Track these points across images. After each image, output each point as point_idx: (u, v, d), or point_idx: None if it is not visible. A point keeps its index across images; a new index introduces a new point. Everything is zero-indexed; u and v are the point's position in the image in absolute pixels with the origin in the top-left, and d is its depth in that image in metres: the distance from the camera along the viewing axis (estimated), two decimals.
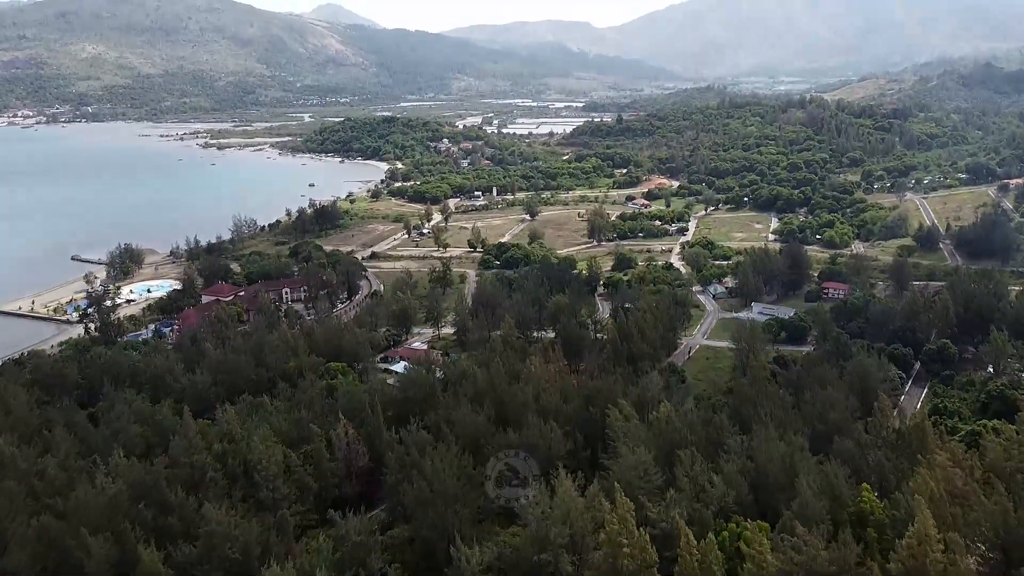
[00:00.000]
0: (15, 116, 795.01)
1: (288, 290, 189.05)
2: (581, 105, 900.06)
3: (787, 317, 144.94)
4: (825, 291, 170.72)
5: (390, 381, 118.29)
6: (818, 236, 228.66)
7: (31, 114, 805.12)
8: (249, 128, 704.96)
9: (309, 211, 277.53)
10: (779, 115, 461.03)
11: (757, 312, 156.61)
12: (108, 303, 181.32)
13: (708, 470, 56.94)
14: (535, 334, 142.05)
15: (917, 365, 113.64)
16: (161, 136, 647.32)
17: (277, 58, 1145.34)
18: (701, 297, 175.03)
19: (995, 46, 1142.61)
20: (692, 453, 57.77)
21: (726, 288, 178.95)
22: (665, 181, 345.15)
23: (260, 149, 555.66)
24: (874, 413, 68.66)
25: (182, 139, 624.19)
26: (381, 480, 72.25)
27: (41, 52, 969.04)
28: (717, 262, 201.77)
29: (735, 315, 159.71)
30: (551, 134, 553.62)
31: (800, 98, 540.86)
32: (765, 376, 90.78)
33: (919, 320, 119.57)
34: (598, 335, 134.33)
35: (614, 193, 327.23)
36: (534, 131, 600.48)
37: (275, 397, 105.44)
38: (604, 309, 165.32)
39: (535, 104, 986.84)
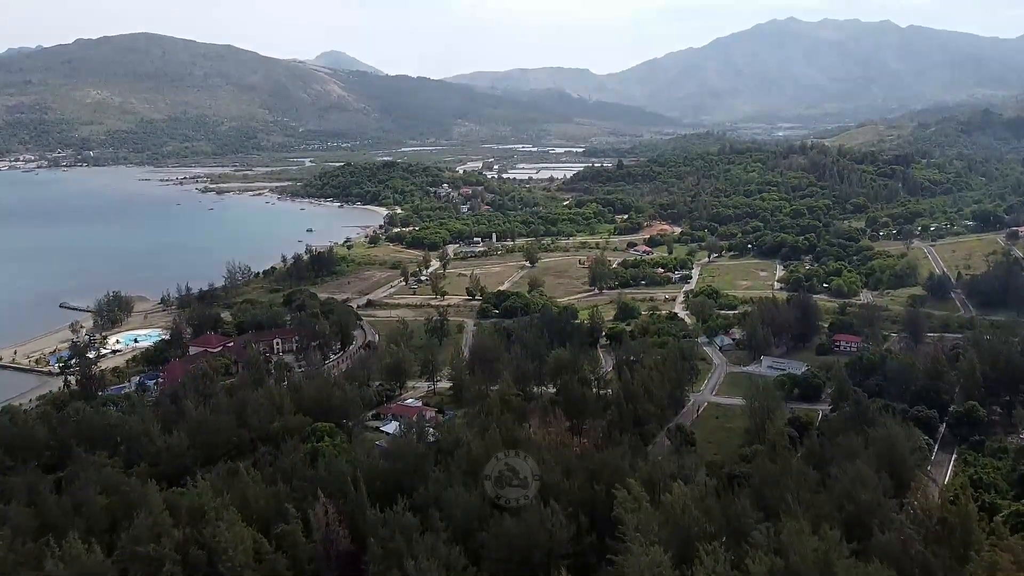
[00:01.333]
0: (17, 160, 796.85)
1: (279, 340, 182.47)
2: (581, 150, 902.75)
3: (799, 373, 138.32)
4: (836, 344, 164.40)
5: (380, 443, 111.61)
6: (825, 285, 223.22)
7: (33, 158, 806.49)
8: (249, 173, 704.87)
9: (305, 257, 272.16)
10: (780, 161, 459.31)
11: (767, 367, 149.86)
12: (91, 354, 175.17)
13: (731, 569, 49.79)
14: (535, 389, 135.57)
15: (943, 428, 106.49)
16: (161, 180, 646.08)
17: (280, 104, 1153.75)
18: (707, 349, 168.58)
19: (990, 94, 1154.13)
20: (714, 549, 50.64)
21: (733, 340, 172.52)
22: (667, 227, 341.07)
23: (259, 194, 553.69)
24: (911, 494, 61.57)
25: (181, 183, 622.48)
26: (363, 568, 64.82)
27: (46, 97, 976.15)
28: (723, 312, 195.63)
29: (744, 369, 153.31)
30: (551, 179, 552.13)
31: (801, 144, 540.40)
32: (784, 444, 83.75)
33: (943, 379, 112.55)
34: (601, 392, 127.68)
35: (615, 239, 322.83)
36: (534, 176, 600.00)
37: (256, 462, 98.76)
38: (607, 362, 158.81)
39: (535, 149, 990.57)
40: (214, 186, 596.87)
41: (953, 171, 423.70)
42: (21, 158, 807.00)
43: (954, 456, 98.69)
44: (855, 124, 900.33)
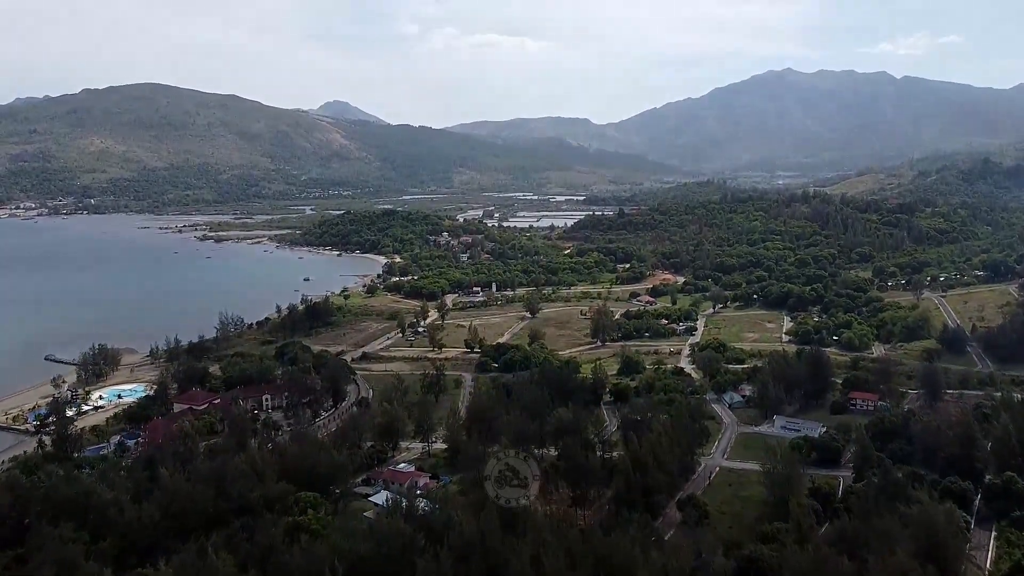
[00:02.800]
0: (17, 208, 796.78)
1: (268, 397, 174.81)
2: (582, 198, 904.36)
3: (817, 434, 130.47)
4: (852, 401, 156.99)
5: (367, 514, 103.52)
6: (835, 337, 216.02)
7: (34, 206, 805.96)
8: (249, 221, 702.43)
9: (300, 308, 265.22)
10: (783, 209, 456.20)
11: (781, 427, 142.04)
12: (72, 411, 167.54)
13: None
14: (535, 451, 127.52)
15: (977, 500, 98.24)
16: (160, 228, 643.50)
17: (282, 152, 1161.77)
18: (716, 407, 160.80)
19: (987, 142, 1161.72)
20: None
21: (743, 397, 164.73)
22: (670, 277, 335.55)
23: (258, 242, 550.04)
24: None
25: (181, 231, 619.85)
26: None
27: (50, 146, 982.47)
28: (731, 366, 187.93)
29: (756, 429, 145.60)
30: (552, 227, 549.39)
31: (803, 192, 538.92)
32: (809, 524, 75.86)
33: (975, 445, 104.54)
34: (606, 456, 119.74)
35: (617, 289, 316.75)
36: (535, 224, 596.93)
37: (231, 537, 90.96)
38: (611, 421, 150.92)
39: (536, 197, 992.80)
40: (213, 234, 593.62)
41: (958, 220, 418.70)
42: (22, 206, 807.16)
43: (993, 534, 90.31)
44: (854, 172, 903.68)
